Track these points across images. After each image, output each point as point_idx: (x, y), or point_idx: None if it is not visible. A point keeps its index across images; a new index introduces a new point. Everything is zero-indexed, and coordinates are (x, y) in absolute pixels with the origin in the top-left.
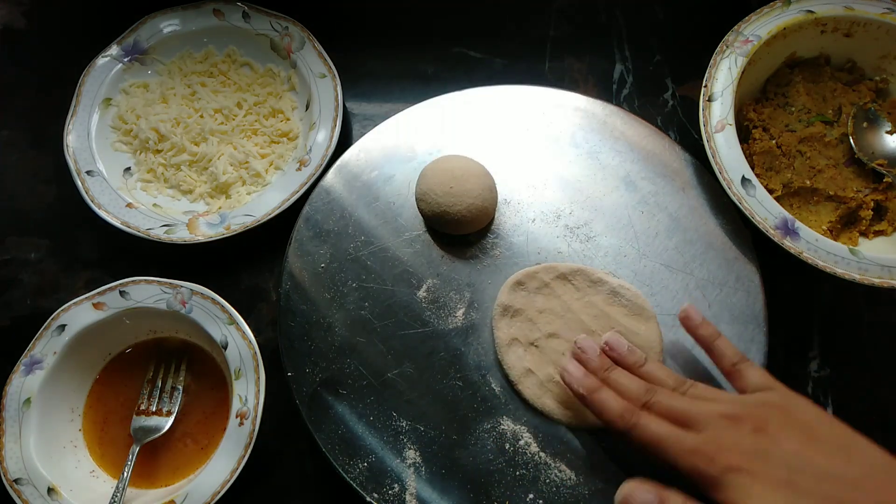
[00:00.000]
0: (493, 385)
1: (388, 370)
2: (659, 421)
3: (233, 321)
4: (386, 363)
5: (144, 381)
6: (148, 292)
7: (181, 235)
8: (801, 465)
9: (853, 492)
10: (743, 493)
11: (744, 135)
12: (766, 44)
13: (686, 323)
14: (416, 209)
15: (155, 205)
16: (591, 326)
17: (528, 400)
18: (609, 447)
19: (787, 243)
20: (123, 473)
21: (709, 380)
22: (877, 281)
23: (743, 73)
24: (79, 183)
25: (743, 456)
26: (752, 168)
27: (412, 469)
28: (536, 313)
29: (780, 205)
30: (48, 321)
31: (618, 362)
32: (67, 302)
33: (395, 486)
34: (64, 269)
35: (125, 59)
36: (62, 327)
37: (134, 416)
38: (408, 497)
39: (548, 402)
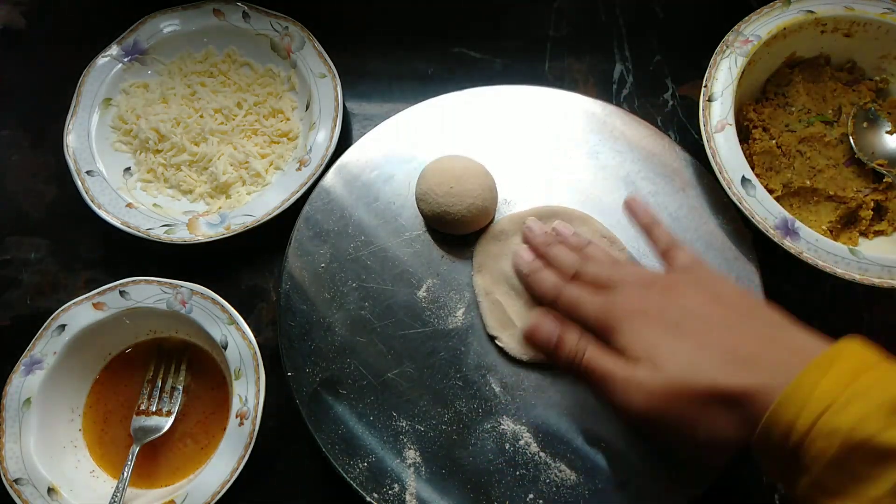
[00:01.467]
0: (493, 385)
1: (388, 370)
2: (580, 287)
3: (233, 321)
4: (386, 363)
5: (144, 381)
6: (148, 292)
7: (181, 235)
8: (694, 314)
9: (739, 337)
10: (634, 332)
11: (744, 135)
12: (766, 44)
13: (629, 209)
14: (416, 209)
15: (155, 205)
16: None
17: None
18: (610, 447)
19: (787, 243)
20: (123, 473)
21: None
22: (877, 281)
23: (743, 73)
24: (79, 183)
25: (643, 305)
26: (752, 168)
27: (412, 469)
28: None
29: (780, 205)
30: (48, 321)
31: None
32: (67, 302)
33: (395, 486)
34: (64, 269)
35: (125, 59)
36: (62, 327)
37: (134, 416)
38: (408, 497)
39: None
